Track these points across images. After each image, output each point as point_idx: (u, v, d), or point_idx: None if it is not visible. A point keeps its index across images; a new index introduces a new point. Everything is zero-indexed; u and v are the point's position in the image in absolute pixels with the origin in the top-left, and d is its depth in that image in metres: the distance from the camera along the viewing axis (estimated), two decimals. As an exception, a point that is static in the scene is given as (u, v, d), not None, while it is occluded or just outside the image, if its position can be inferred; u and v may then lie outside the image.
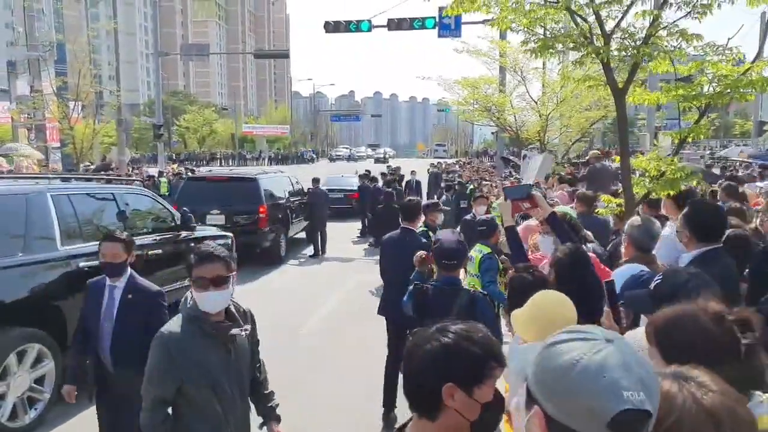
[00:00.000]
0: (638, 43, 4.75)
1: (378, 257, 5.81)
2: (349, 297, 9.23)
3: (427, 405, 1.40)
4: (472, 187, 13.56)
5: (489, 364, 1.40)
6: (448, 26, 20.99)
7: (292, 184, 13.79)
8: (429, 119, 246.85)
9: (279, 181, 13.22)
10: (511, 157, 19.72)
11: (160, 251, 6.48)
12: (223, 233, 8.25)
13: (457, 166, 29.63)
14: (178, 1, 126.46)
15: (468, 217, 8.40)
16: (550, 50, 4.97)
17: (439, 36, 21.33)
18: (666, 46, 4.73)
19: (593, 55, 4.92)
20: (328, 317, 8.09)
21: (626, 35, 4.80)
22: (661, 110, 16.88)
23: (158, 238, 6.44)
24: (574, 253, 2.78)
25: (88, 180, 7.68)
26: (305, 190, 14.06)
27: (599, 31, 4.90)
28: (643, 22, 4.84)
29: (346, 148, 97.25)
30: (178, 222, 7.06)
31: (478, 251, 4.97)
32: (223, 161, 61.41)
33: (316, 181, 13.98)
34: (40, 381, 4.78)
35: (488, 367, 1.40)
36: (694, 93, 4.88)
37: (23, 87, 22.73)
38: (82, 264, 5.12)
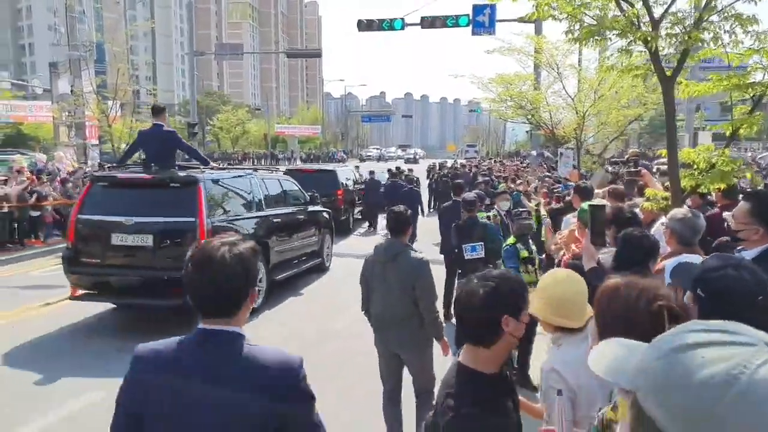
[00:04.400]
0: (688, 28, 4.53)
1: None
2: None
3: (487, 335, 1.75)
4: (502, 184, 13.41)
5: (525, 295, 1.82)
6: (482, 24, 20.79)
7: (355, 175, 17.83)
8: (460, 120, 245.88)
9: (347, 172, 17.58)
10: (545, 153, 19.31)
11: (302, 217, 9.73)
12: (326, 209, 11.34)
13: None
14: (212, 2, 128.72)
15: (491, 213, 8.53)
16: (596, 38, 4.79)
17: (473, 33, 21.15)
18: (718, 31, 4.49)
19: (640, 43, 4.72)
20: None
21: (676, 21, 4.58)
22: (700, 111, 16.36)
23: (295, 209, 9.63)
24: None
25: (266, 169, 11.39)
26: (363, 179, 17.40)
27: (647, 18, 4.70)
28: (693, 9, 4.63)
29: (377, 148, 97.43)
30: (307, 200, 10.21)
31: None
32: (255, 161, 61.94)
33: (372, 172, 17.44)
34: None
35: (524, 297, 1.82)
36: (748, 81, 4.64)
37: (64, 86, 23.29)
38: (275, 220, 8.63)
